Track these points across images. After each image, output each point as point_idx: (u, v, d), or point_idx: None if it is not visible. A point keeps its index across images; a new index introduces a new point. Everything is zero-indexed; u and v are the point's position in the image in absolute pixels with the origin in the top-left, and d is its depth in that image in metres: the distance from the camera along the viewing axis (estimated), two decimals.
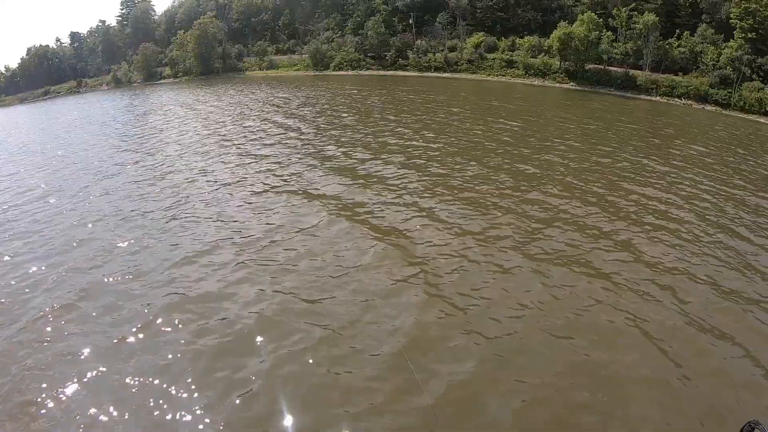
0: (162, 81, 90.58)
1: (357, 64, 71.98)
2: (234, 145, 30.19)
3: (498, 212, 17.73)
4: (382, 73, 70.35)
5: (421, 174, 22.35)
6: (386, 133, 31.59)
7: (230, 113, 43.85)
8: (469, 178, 21.87)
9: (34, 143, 40.90)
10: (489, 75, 63.66)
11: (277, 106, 46.09)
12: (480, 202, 18.79)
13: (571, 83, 59.70)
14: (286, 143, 29.76)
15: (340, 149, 27.49)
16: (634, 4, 59.42)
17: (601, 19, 59.24)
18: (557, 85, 60.15)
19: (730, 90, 53.24)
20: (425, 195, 19.58)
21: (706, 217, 18.55)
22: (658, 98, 55.74)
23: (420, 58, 67.63)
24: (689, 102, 54.44)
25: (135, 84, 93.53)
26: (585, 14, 58.73)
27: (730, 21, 54.83)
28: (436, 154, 26.37)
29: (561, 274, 13.59)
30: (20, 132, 51.97)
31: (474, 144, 29.20)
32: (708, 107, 53.45)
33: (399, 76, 68.20)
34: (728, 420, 8.09)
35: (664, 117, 46.41)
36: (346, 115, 39.71)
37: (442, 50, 66.86)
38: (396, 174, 22.34)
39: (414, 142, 28.96)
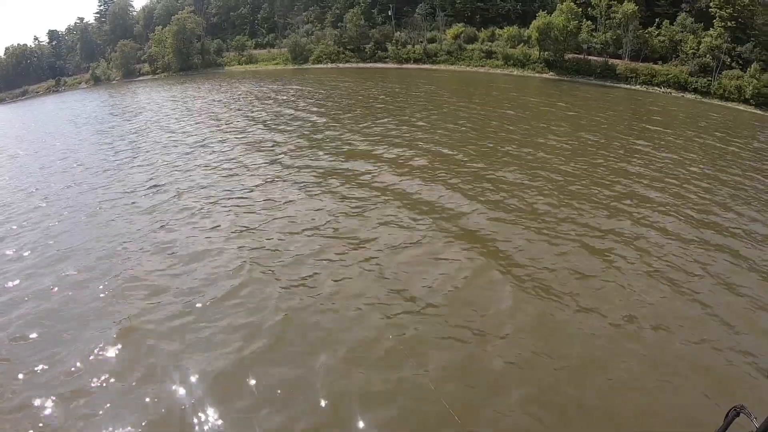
0: (141, 78, 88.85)
1: (336, 57, 70.86)
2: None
3: (508, 201, 17.00)
4: (361, 65, 69.24)
5: (430, 167, 21.11)
6: (386, 126, 30.17)
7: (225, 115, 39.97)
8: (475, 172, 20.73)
9: None
10: (468, 66, 62.74)
11: (269, 102, 44.54)
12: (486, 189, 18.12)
13: (551, 73, 59.00)
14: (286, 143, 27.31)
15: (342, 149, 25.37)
16: None
17: (581, 9, 58.67)
18: (536, 74, 59.42)
19: (709, 78, 52.87)
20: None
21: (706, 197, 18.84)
22: (637, 87, 55.25)
23: (399, 49, 66.62)
24: (669, 90, 53.99)
25: (114, 81, 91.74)
26: (564, 4, 58.00)
27: (710, 10, 54.53)
28: (437, 142, 25.57)
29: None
30: None
31: (473, 133, 28.40)
32: (688, 95, 53.12)
33: (378, 68, 67.14)
34: None
35: (647, 105, 46.30)
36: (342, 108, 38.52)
37: (422, 42, 65.86)
38: (407, 178, 20.17)
39: (415, 135, 27.68)
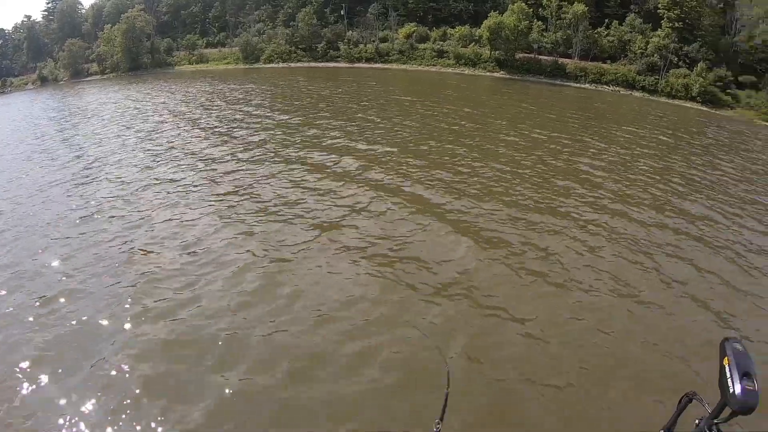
0: (89, 78, 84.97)
1: (288, 57, 68.76)
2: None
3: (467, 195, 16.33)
4: (313, 64, 67.31)
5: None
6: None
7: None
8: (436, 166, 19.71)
9: None
10: (420, 65, 61.56)
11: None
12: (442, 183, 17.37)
13: (502, 72, 58.24)
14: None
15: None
16: None
17: (532, 9, 58.45)
18: (487, 73, 58.58)
19: (657, 77, 53.01)
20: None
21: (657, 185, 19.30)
22: (587, 85, 54.91)
23: (351, 49, 65.03)
24: (617, 89, 53.81)
25: (62, 82, 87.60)
26: (515, 4, 57.80)
27: (658, 11, 54.94)
28: (400, 139, 24.25)
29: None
30: None
31: (433, 131, 26.83)
32: (636, 93, 53.11)
33: (330, 67, 65.31)
34: None
35: (597, 103, 46.24)
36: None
37: (374, 41, 64.43)
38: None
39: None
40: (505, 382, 7.80)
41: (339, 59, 66.20)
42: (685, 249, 13.32)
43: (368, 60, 64.38)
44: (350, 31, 66.11)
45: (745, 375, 1.35)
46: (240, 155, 21.51)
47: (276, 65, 69.65)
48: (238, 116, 32.14)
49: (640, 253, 12.77)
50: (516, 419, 7.22)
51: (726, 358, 1.41)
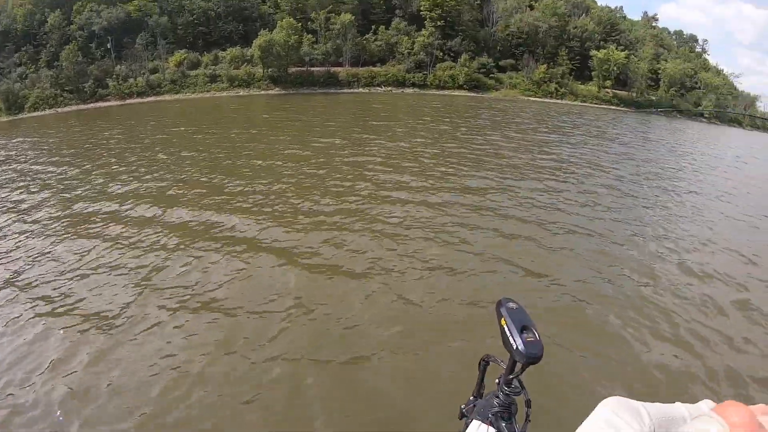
0: None
1: (54, 101, 60.50)
2: None
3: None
4: (82, 107, 59.37)
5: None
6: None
7: None
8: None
9: None
10: (194, 93, 56.33)
11: None
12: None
13: (277, 88, 54.76)
14: None
15: None
16: (331, 6, 56.95)
17: (301, 24, 56.25)
18: (263, 92, 54.72)
19: (425, 72, 52.73)
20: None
21: (437, 167, 20.26)
22: (360, 89, 53.01)
23: (121, 84, 58.43)
24: (389, 88, 52.64)
25: None
26: (284, 20, 55.28)
27: (421, 12, 55.17)
28: (185, 172, 21.41)
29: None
30: None
31: (215, 159, 24.38)
32: (407, 90, 52.38)
33: (101, 107, 57.83)
34: None
35: (373, 104, 45.56)
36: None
37: (144, 73, 58.50)
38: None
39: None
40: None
41: (109, 97, 59.07)
42: (474, 216, 13.98)
43: (140, 94, 58.07)
44: (119, 66, 59.66)
45: (524, 329, 1.40)
46: (20, 217, 17.34)
47: (43, 112, 61.01)
48: (11, 175, 25.04)
49: (437, 227, 13.02)
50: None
51: (503, 319, 1.46)
